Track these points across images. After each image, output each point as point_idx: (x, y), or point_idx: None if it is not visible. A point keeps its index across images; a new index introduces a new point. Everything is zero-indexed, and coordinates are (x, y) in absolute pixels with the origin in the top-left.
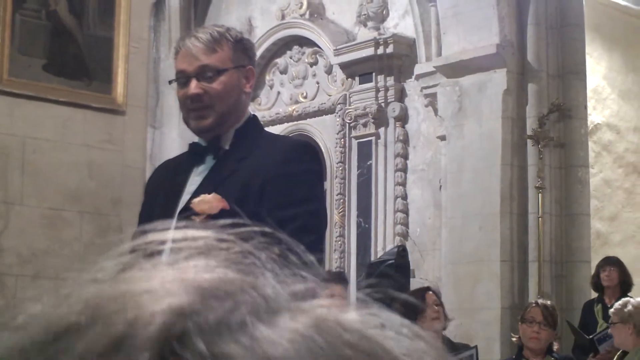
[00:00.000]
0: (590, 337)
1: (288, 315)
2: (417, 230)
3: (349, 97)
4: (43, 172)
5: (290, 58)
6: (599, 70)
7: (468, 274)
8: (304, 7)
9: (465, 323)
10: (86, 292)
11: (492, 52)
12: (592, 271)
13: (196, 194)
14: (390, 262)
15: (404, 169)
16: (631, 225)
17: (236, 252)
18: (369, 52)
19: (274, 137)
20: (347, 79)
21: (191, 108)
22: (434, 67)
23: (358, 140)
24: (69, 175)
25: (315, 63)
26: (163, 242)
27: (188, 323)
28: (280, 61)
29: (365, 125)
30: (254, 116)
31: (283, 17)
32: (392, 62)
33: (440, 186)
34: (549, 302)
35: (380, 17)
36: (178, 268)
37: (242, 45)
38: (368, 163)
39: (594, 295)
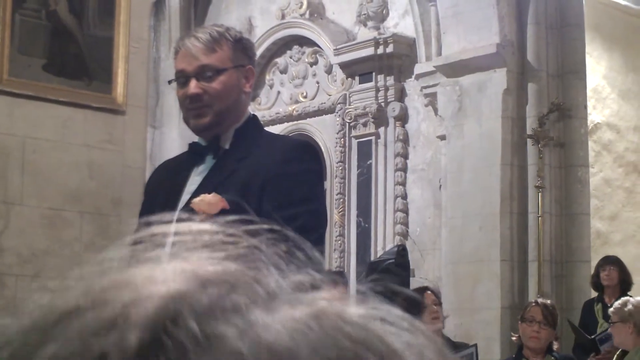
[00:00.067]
0: (592, 337)
1: (288, 305)
2: (417, 229)
3: (349, 97)
4: (43, 172)
5: (290, 58)
6: (599, 69)
7: (468, 273)
8: (304, 6)
9: (465, 323)
10: (89, 280)
11: (492, 52)
12: (592, 271)
13: (196, 193)
14: (390, 261)
15: (404, 169)
16: (631, 224)
17: (242, 247)
18: (369, 51)
19: (274, 137)
20: (347, 78)
21: (190, 107)
22: (434, 66)
23: (358, 140)
24: (69, 175)
25: (315, 63)
26: (167, 235)
27: (183, 306)
28: (280, 61)
29: (365, 124)
30: (254, 116)
31: (283, 17)
32: (392, 61)
33: (440, 186)
34: (549, 302)
35: (380, 16)
36: (181, 259)
37: (241, 45)
38: (368, 163)
39: (594, 294)
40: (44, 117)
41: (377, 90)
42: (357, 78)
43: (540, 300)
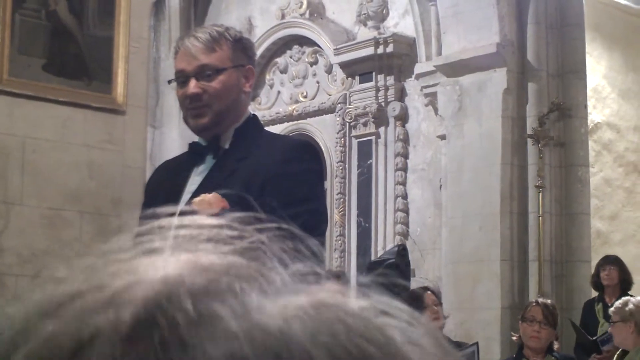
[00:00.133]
0: (594, 338)
1: (288, 293)
2: (417, 229)
3: (349, 97)
4: (43, 172)
5: (290, 57)
6: (599, 69)
7: (468, 273)
8: (304, 6)
9: (466, 322)
10: (91, 269)
11: (492, 52)
12: (592, 270)
13: (196, 193)
14: (391, 261)
15: (404, 169)
16: (631, 224)
17: (249, 242)
18: (369, 51)
19: (274, 137)
20: (347, 78)
21: (190, 107)
22: (434, 66)
23: (358, 140)
24: (69, 175)
25: (315, 62)
26: (170, 228)
27: (180, 286)
28: (280, 60)
29: (365, 124)
30: (254, 115)
31: (283, 17)
32: (392, 61)
33: (441, 185)
34: (549, 301)
35: (380, 16)
36: (185, 251)
37: (241, 45)
38: (368, 162)
39: (594, 294)
40: (44, 117)
41: (377, 90)
42: (357, 78)
43: (540, 300)
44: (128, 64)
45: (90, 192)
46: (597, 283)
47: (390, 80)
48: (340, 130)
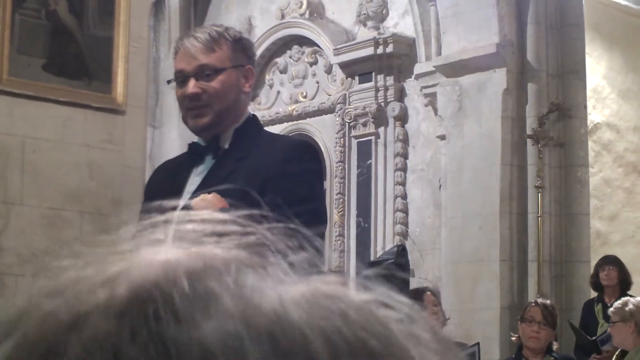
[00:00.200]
0: (594, 338)
1: (288, 282)
2: (416, 229)
3: (349, 97)
4: (43, 172)
5: (290, 57)
6: (598, 69)
7: (468, 273)
8: (304, 6)
9: (465, 323)
10: (93, 259)
11: (491, 52)
12: (592, 271)
13: (196, 194)
14: (390, 261)
15: (404, 169)
16: (631, 224)
17: (252, 238)
18: (368, 51)
19: (274, 137)
20: (346, 78)
21: (189, 107)
22: (434, 66)
23: (358, 140)
24: (69, 175)
25: (315, 62)
26: (172, 222)
27: (178, 267)
28: (280, 61)
29: (364, 124)
30: (254, 116)
31: (283, 17)
32: (391, 61)
33: (440, 186)
34: (548, 302)
35: (380, 16)
36: (187, 242)
37: (241, 45)
38: (368, 162)
39: (593, 294)
40: (44, 117)
41: (377, 90)
42: (356, 78)
43: (540, 300)
44: (128, 64)
45: (90, 192)
46: (596, 283)
47: (390, 80)
48: (339, 131)
